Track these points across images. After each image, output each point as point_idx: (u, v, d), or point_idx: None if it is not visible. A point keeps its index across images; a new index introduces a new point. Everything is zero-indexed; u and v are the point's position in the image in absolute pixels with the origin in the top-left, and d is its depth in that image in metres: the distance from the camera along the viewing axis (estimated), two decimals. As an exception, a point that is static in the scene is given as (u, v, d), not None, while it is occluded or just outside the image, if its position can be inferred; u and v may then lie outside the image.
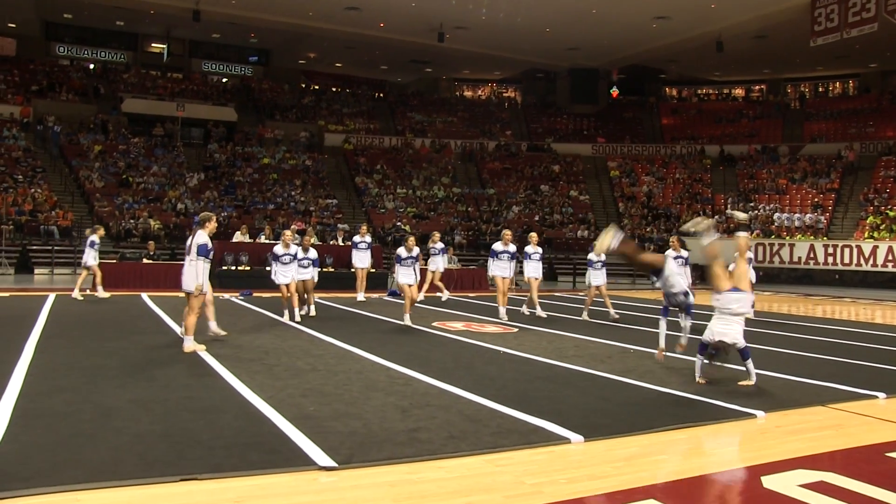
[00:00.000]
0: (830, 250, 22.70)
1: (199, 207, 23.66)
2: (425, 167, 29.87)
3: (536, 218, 27.48)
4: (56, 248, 19.16)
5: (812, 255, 22.96)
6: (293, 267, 10.15)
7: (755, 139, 31.13)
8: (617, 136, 33.44)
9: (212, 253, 7.02)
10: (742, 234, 6.64)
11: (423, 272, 13.31)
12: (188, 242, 7.18)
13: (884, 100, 31.04)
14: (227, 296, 13.28)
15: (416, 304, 10.65)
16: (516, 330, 9.57)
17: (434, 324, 9.92)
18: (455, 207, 27.73)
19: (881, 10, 21.37)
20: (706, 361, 6.00)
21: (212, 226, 7.15)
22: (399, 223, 25.19)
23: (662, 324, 7.09)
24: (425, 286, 13.65)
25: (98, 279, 12.23)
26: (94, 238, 12.20)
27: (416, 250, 10.21)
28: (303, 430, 4.21)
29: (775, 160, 29.16)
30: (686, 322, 7.00)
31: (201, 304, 7.03)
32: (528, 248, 11.69)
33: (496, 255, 11.24)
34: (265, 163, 27.59)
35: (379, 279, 15.93)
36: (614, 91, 31.55)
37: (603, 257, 11.68)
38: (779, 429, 4.75)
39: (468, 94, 38.60)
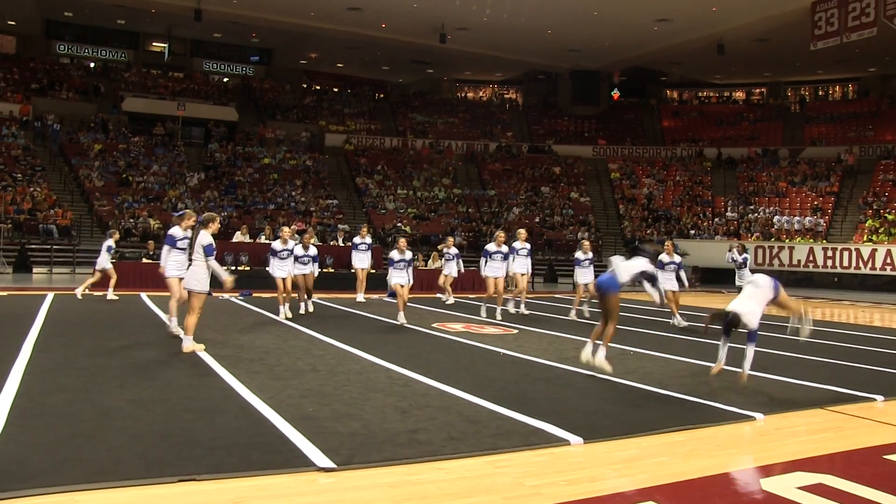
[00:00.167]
0: (830, 253, 22.71)
1: (200, 207, 23.66)
2: (426, 168, 29.89)
3: (537, 219, 27.49)
4: (55, 247, 19.15)
5: (811, 258, 22.97)
6: (290, 262, 10.45)
7: (755, 142, 31.17)
8: (618, 138, 33.47)
9: (210, 255, 7.04)
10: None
11: (432, 273, 13.29)
12: (190, 242, 7.24)
13: (883, 104, 31.08)
14: (226, 296, 13.28)
15: (405, 305, 10.71)
16: (516, 331, 9.58)
17: (434, 325, 9.92)
18: (456, 208, 27.74)
19: (880, 14, 21.42)
20: (727, 345, 6.09)
21: (215, 226, 7.19)
22: (399, 224, 25.19)
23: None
24: (447, 290, 14.05)
25: (112, 282, 12.26)
26: (111, 242, 12.27)
27: (408, 253, 10.17)
28: (302, 430, 4.21)
29: (775, 163, 29.19)
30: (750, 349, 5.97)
31: (203, 304, 7.04)
32: (516, 244, 11.73)
33: (489, 255, 11.37)
34: (266, 163, 27.60)
35: (379, 280, 15.90)
36: (615, 93, 31.60)
37: (590, 255, 11.90)
38: (778, 431, 4.76)
39: (469, 95, 38.63)
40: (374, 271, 15.18)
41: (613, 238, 26.99)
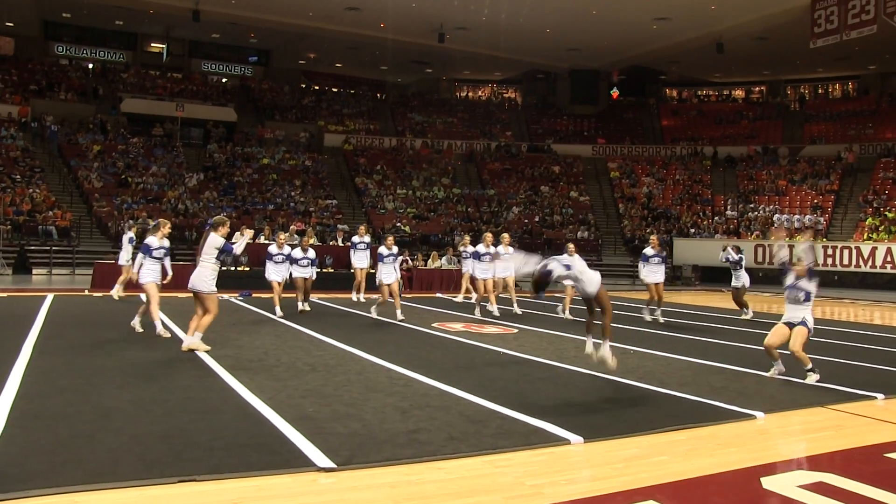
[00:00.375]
0: (829, 251, 22.70)
1: (199, 208, 23.65)
2: (425, 168, 29.88)
3: (536, 219, 27.49)
4: (54, 248, 19.13)
5: (811, 256, 22.94)
6: (285, 266, 10.86)
7: (755, 140, 31.15)
8: (617, 137, 33.45)
9: (225, 255, 7.15)
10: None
11: (431, 273, 13.29)
12: (200, 244, 7.39)
13: (883, 101, 31.06)
14: (226, 296, 13.26)
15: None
16: (516, 331, 9.57)
17: (434, 325, 9.92)
18: (455, 208, 27.73)
19: (880, 11, 21.40)
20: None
21: (224, 230, 7.29)
22: (399, 224, 25.18)
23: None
24: (463, 288, 14.32)
25: (122, 280, 12.22)
26: (132, 234, 12.28)
27: (395, 248, 10.86)
28: (302, 431, 4.20)
29: (775, 161, 29.18)
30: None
31: (217, 304, 7.10)
32: (499, 249, 11.89)
33: (479, 256, 11.62)
34: (265, 163, 27.58)
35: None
36: (614, 92, 31.55)
37: (576, 257, 11.92)
38: (778, 429, 4.76)
39: (468, 94, 38.62)
40: (373, 271, 15.16)
41: (613, 237, 26.99)
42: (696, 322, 11.61)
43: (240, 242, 7.51)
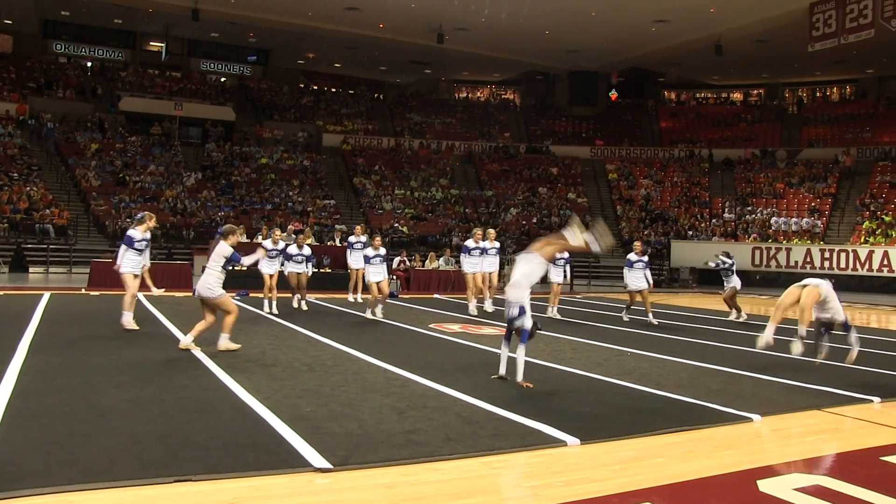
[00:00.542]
0: (827, 255, 22.75)
1: (197, 207, 23.62)
2: (423, 168, 29.88)
3: (534, 220, 27.50)
4: (51, 246, 19.09)
5: (808, 260, 23.01)
6: (277, 261, 11.12)
7: (753, 143, 31.21)
8: (615, 138, 33.49)
9: (234, 264, 7.17)
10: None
11: (430, 273, 13.27)
12: (210, 251, 7.54)
13: (880, 105, 31.15)
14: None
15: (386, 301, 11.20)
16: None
17: (431, 325, 9.91)
18: (453, 209, 27.73)
19: (878, 16, 21.45)
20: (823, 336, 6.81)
21: (234, 238, 7.32)
22: (397, 224, 25.18)
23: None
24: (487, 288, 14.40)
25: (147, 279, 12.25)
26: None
27: (382, 249, 11.03)
28: (299, 431, 4.19)
29: (773, 164, 29.24)
30: (520, 352, 5.79)
31: (230, 303, 7.17)
32: (485, 244, 11.97)
33: (468, 251, 11.73)
34: (263, 163, 27.56)
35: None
36: (613, 94, 31.59)
37: (566, 255, 12.10)
38: (775, 432, 4.76)
39: (467, 95, 38.63)
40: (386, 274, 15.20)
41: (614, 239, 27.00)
42: (693, 324, 11.62)
43: (250, 256, 7.52)
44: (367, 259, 10.99)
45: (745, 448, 4.37)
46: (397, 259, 17.94)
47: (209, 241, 17.67)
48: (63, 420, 4.30)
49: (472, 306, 11.58)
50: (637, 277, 11.27)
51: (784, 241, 24.40)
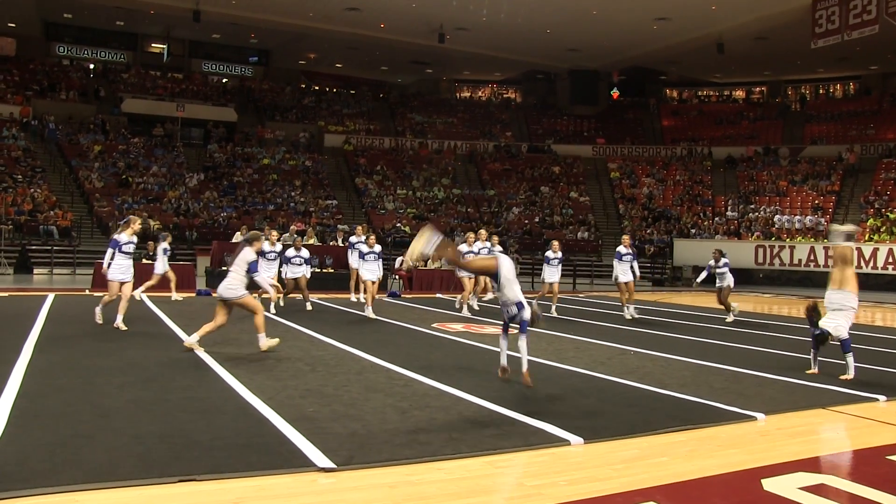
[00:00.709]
0: (831, 253, 22.64)
1: (200, 208, 23.66)
2: (425, 168, 29.88)
3: (536, 219, 27.48)
4: (55, 248, 19.15)
5: (812, 258, 22.94)
6: (276, 263, 11.11)
7: (756, 141, 31.13)
8: (617, 137, 33.45)
9: (255, 272, 7.21)
10: (843, 244, 6.98)
11: (431, 273, 13.27)
12: (233, 256, 7.40)
13: (884, 102, 31.03)
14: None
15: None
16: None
17: (434, 325, 9.91)
18: (455, 208, 27.72)
19: (882, 11, 21.37)
20: (816, 350, 6.81)
21: (259, 244, 7.44)
22: (399, 224, 25.18)
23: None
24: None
25: (173, 284, 12.31)
26: (166, 245, 12.39)
27: (377, 247, 11.22)
28: (302, 431, 4.20)
29: (776, 162, 29.16)
30: (522, 343, 5.66)
31: (254, 302, 7.22)
32: (477, 245, 12.16)
33: (462, 255, 11.76)
34: (265, 163, 27.59)
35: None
36: (615, 92, 31.56)
37: (559, 255, 12.38)
38: (779, 431, 4.74)
39: (468, 95, 38.62)
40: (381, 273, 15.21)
41: (613, 238, 26.95)
42: (696, 323, 11.60)
43: (264, 282, 7.53)
44: (361, 256, 11.19)
45: (750, 447, 4.36)
46: (400, 259, 17.95)
47: (212, 242, 17.69)
48: (67, 420, 4.31)
49: (461, 304, 11.88)
50: (625, 271, 11.61)
51: (787, 239, 24.33)
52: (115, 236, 8.57)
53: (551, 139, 33.38)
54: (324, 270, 15.93)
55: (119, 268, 8.45)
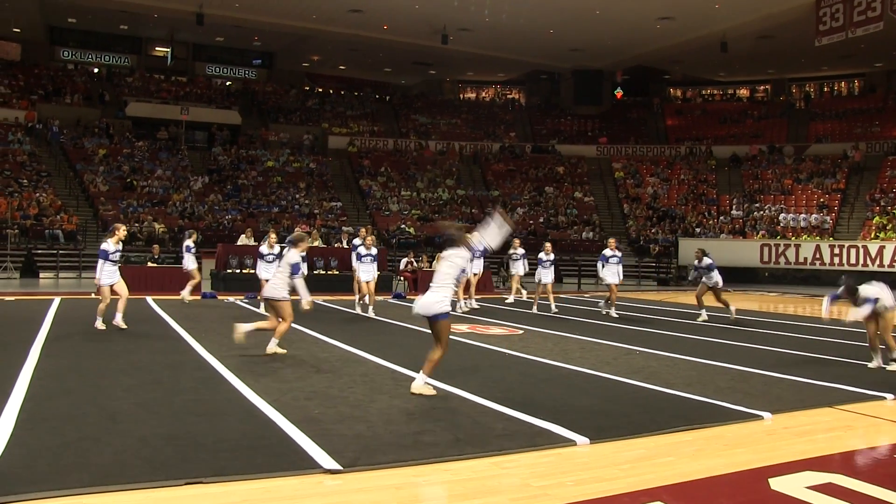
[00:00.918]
0: (836, 251, 22.56)
1: (205, 210, 23.73)
2: (429, 169, 29.88)
3: (541, 219, 27.45)
4: (61, 252, 19.22)
5: (818, 256, 22.83)
6: (275, 265, 10.99)
7: (760, 139, 31.02)
8: (621, 137, 33.38)
9: (301, 273, 7.28)
10: None
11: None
12: (278, 256, 7.59)
13: (889, 99, 30.88)
14: (231, 298, 13.31)
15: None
16: (521, 332, 9.55)
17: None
18: (460, 209, 27.72)
19: (887, 9, 21.27)
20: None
21: (304, 245, 7.61)
22: (403, 225, 25.19)
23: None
24: (513, 289, 14.67)
25: (193, 283, 12.31)
26: (189, 242, 12.41)
27: (374, 249, 11.32)
28: (308, 433, 4.20)
29: (780, 160, 29.05)
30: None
31: (290, 310, 7.20)
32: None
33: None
34: (269, 166, 27.65)
35: (383, 281, 15.91)
36: (618, 92, 31.49)
37: (552, 257, 12.60)
38: (786, 430, 4.72)
39: (472, 95, 38.62)
40: (378, 273, 15.21)
41: (618, 238, 26.91)
42: (701, 322, 11.56)
43: (302, 289, 7.33)
44: (359, 257, 11.26)
45: (756, 446, 4.34)
46: (404, 260, 17.96)
47: (217, 245, 17.73)
48: (74, 423, 4.33)
49: (463, 304, 12.31)
50: (611, 273, 11.84)
51: (793, 238, 24.23)
52: (103, 246, 8.77)
53: (555, 139, 33.34)
54: (328, 273, 15.99)
55: (107, 274, 8.72)
